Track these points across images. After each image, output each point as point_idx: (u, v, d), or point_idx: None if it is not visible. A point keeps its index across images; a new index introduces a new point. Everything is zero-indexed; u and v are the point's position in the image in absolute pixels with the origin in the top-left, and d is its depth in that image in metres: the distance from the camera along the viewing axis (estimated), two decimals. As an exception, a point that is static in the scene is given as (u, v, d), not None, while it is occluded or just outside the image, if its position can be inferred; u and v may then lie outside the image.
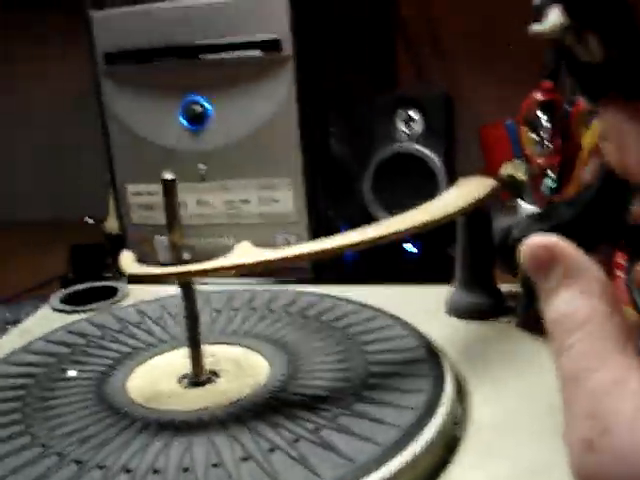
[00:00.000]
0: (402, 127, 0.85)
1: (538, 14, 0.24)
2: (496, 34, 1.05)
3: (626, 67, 0.25)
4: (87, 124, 0.88)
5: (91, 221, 1.02)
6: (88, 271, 0.91)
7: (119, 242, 0.80)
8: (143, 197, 0.75)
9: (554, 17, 0.24)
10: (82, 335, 0.57)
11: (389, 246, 0.86)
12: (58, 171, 1.37)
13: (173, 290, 0.63)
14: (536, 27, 0.24)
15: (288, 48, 0.68)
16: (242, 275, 0.71)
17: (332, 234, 0.45)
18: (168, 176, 0.46)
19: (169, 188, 0.46)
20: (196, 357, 0.49)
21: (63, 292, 0.70)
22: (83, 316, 0.63)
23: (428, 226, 0.49)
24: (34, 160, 1.41)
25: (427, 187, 0.82)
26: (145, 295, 0.66)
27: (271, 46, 0.68)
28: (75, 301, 0.68)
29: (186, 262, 0.47)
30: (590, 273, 0.24)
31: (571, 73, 0.26)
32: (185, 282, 0.48)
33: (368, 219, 0.82)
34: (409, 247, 0.88)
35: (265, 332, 0.55)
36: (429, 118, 0.84)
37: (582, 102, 0.74)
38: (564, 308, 0.24)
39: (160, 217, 0.77)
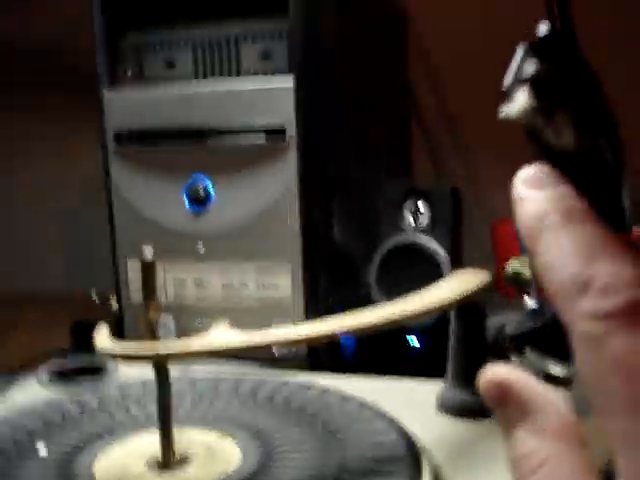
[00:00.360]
0: (409, 218, 0.85)
1: (507, 97, 0.24)
2: (515, 128, 1.06)
3: (597, 157, 0.24)
4: (101, 200, 0.89)
5: (95, 298, 1.02)
6: (89, 348, 0.90)
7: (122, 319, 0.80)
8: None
9: (522, 99, 0.23)
10: (60, 411, 0.56)
11: (391, 337, 0.85)
12: (74, 244, 1.39)
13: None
14: (503, 110, 0.24)
15: (292, 136, 0.69)
16: (233, 357, 0.70)
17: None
18: (147, 255, 0.45)
19: (147, 267, 0.46)
20: (166, 441, 0.48)
21: (52, 367, 0.69)
22: (67, 392, 0.62)
23: (417, 316, 0.48)
24: (50, 233, 1.44)
25: (432, 279, 0.81)
26: (133, 373, 0.65)
27: (275, 133, 0.69)
28: (65, 376, 0.68)
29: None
30: (545, 408, 0.23)
31: (542, 161, 0.25)
32: (159, 363, 0.47)
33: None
34: (412, 340, 0.87)
35: (244, 419, 0.54)
36: (436, 210, 0.84)
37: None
38: (519, 449, 0.23)
39: (161, 296, 0.76)
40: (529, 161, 0.26)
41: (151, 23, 0.75)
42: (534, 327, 0.53)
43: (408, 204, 0.86)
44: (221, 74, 0.74)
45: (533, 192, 0.23)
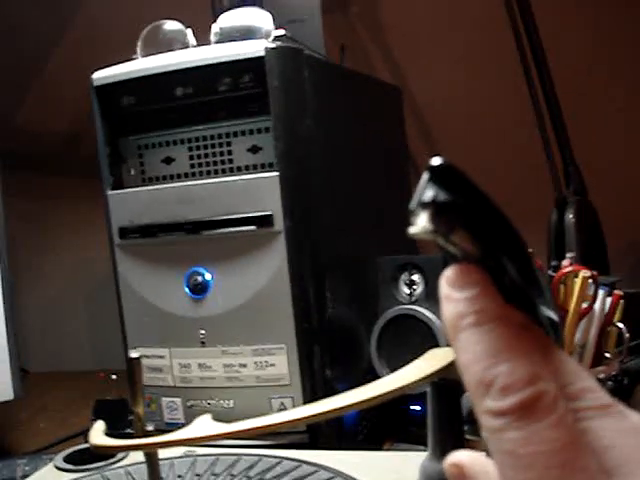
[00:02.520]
0: (405, 289, 0.89)
1: (412, 218, 0.27)
2: (511, 191, 1.10)
3: (500, 265, 0.27)
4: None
5: (114, 377, 1.07)
6: (109, 427, 0.95)
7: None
8: (151, 360, 0.80)
9: (422, 222, 0.26)
10: (68, 497, 0.61)
11: (393, 406, 0.88)
12: (101, 326, 1.45)
13: (169, 453, 0.66)
14: (410, 230, 0.27)
15: (279, 223, 0.74)
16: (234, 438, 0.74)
17: (329, 395, 0.48)
18: (134, 355, 0.50)
19: (134, 366, 0.50)
20: (159, 525, 0.52)
21: (68, 451, 0.73)
22: (79, 475, 0.66)
23: (392, 394, 0.52)
24: (79, 313, 1.50)
25: (429, 347, 0.84)
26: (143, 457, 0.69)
27: (264, 221, 0.74)
28: (81, 459, 0.72)
29: (150, 434, 0.51)
30: None
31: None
32: (148, 452, 0.51)
33: (372, 379, 0.84)
34: (415, 407, 0.89)
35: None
36: (429, 281, 0.87)
37: (565, 267, 0.77)
38: None
39: (168, 379, 0.81)
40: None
41: (149, 126, 0.82)
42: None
43: (403, 276, 0.90)
44: (215, 167, 0.79)
45: (454, 292, 0.26)
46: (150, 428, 0.51)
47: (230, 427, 0.48)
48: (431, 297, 0.88)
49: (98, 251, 1.41)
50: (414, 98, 1.25)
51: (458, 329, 0.26)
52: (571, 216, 0.98)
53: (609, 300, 0.79)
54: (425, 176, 0.27)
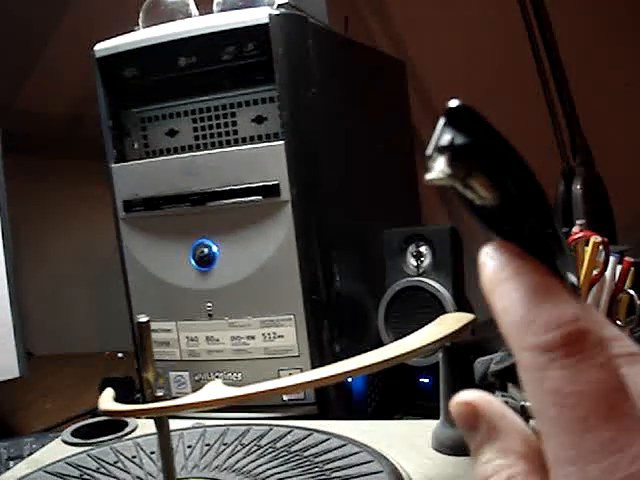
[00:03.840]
0: (412, 261, 0.88)
1: (429, 164, 0.25)
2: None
3: (519, 210, 0.27)
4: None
5: (120, 355, 1.06)
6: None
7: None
8: (158, 334, 0.80)
9: (440, 167, 0.25)
10: (78, 467, 0.60)
11: (401, 378, 0.88)
12: (105, 306, 1.44)
13: (179, 424, 0.66)
14: (427, 176, 0.25)
15: (286, 192, 0.73)
16: (245, 410, 0.74)
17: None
18: (142, 319, 0.49)
19: (143, 330, 0.50)
20: (171, 491, 0.51)
21: (75, 425, 0.73)
22: (87, 448, 0.66)
23: (404, 357, 0.51)
24: (82, 297, 1.50)
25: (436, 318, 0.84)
26: (153, 429, 0.69)
27: (270, 191, 0.73)
28: (88, 434, 0.72)
29: (160, 398, 0.50)
30: (510, 430, 0.25)
31: (472, 216, 0.28)
32: (159, 418, 0.50)
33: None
34: (424, 380, 0.89)
35: (248, 467, 0.57)
36: (436, 252, 0.87)
37: (575, 233, 0.76)
38: (485, 469, 0.25)
39: (175, 353, 0.80)
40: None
41: (152, 98, 0.81)
42: (513, 363, 0.56)
43: (410, 248, 0.89)
44: (219, 139, 0.78)
45: (490, 260, 0.26)
46: (160, 394, 0.50)
47: (241, 390, 0.48)
48: (438, 268, 0.87)
49: (101, 233, 1.41)
50: (417, 72, 1.24)
51: (495, 284, 0.25)
52: (578, 187, 0.97)
53: (619, 268, 0.78)
54: (442, 120, 0.26)
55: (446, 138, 0.26)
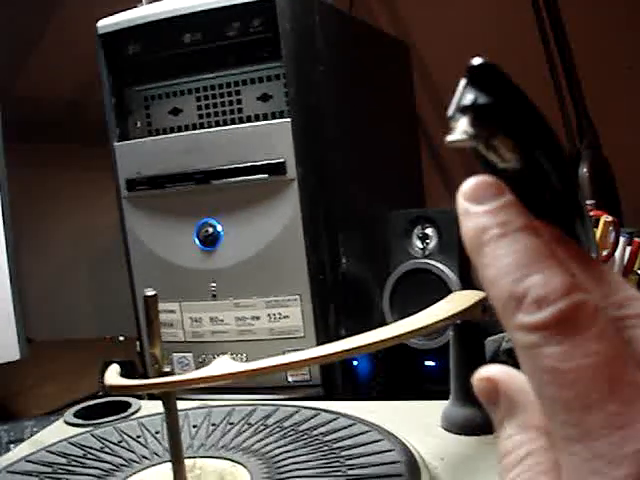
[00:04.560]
0: (418, 243, 0.87)
1: (450, 125, 0.25)
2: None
3: (541, 176, 0.26)
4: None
5: (122, 338, 1.05)
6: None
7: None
8: (161, 314, 0.78)
9: (462, 127, 0.24)
10: (81, 447, 0.59)
11: (406, 360, 0.87)
12: (105, 290, 1.43)
13: (183, 405, 0.65)
14: (448, 138, 0.25)
15: (292, 170, 0.72)
16: (250, 392, 0.73)
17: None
18: (149, 292, 0.48)
19: (150, 304, 0.49)
20: (178, 470, 0.50)
21: (78, 407, 0.72)
22: (90, 429, 0.65)
23: (414, 334, 0.50)
24: (82, 280, 1.49)
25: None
26: (157, 409, 0.68)
27: (277, 169, 0.72)
28: (91, 415, 0.71)
29: (167, 374, 0.49)
30: (529, 406, 0.25)
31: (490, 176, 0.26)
32: (166, 394, 0.49)
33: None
34: (429, 363, 0.88)
35: (255, 446, 0.56)
36: (443, 234, 0.86)
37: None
38: (506, 443, 0.25)
39: (179, 334, 0.80)
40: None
41: (156, 76, 0.79)
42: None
43: (416, 230, 0.88)
44: (224, 117, 0.77)
45: (473, 206, 0.24)
46: (167, 369, 0.49)
47: (251, 365, 0.47)
48: (445, 251, 0.86)
49: (100, 217, 1.40)
50: (420, 55, 1.23)
51: (481, 244, 0.24)
52: (585, 169, 0.96)
53: (628, 250, 0.77)
54: (464, 78, 0.25)
55: (469, 97, 0.25)
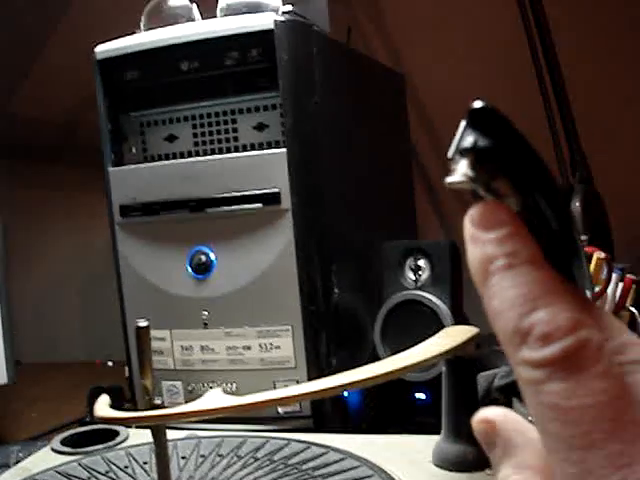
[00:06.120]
0: (410, 275, 0.87)
1: (451, 167, 0.25)
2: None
3: (540, 217, 0.26)
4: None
5: (110, 364, 1.04)
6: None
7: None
8: (152, 342, 0.78)
9: (462, 170, 0.24)
10: (68, 476, 0.59)
11: (397, 393, 0.86)
12: (98, 315, 1.42)
13: (172, 435, 0.64)
14: (447, 179, 0.25)
15: (287, 201, 0.72)
16: (239, 422, 0.72)
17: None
18: (141, 323, 0.48)
19: (142, 335, 0.48)
20: (166, 503, 0.49)
21: (65, 434, 0.71)
22: (77, 457, 0.64)
23: (408, 370, 0.50)
24: (72, 305, 1.48)
25: (435, 334, 0.83)
26: (145, 439, 0.67)
27: (271, 199, 0.72)
28: (78, 442, 0.70)
29: (157, 407, 0.48)
30: (526, 446, 0.25)
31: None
32: (156, 427, 0.49)
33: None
34: (420, 395, 0.88)
35: (244, 479, 0.56)
36: (436, 265, 0.86)
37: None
38: None
39: (169, 362, 0.79)
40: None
41: (152, 103, 0.80)
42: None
43: (409, 261, 0.88)
44: (219, 145, 0.77)
45: (481, 233, 0.24)
46: (158, 402, 0.49)
47: (243, 399, 0.46)
48: (437, 282, 0.86)
49: (91, 241, 1.40)
50: (415, 86, 1.24)
51: (487, 274, 0.23)
52: (578, 204, 0.97)
53: (620, 286, 0.77)
54: (464, 121, 0.26)
55: (469, 140, 0.25)
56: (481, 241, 0.24)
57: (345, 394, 0.79)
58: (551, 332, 0.22)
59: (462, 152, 0.25)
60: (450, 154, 0.25)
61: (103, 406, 0.50)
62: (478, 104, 0.25)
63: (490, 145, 0.25)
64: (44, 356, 1.40)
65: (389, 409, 0.89)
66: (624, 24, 1.14)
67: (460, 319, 0.86)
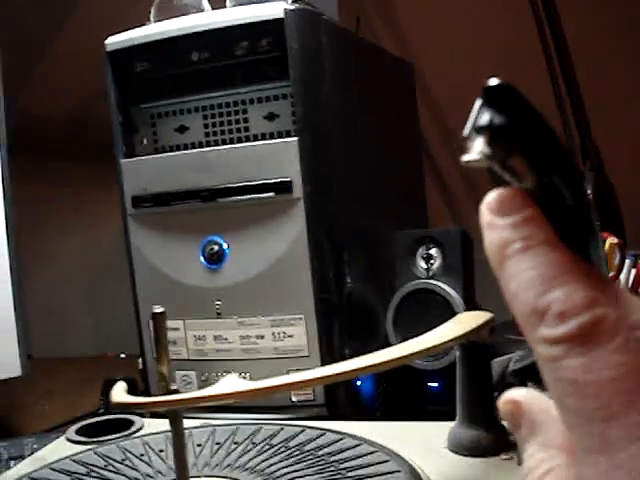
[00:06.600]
0: (422, 264, 0.87)
1: (466, 145, 0.25)
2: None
3: (556, 195, 0.26)
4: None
5: (123, 356, 1.05)
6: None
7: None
8: (165, 332, 0.78)
9: (478, 147, 0.25)
10: (84, 465, 0.59)
11: (409, 381, 0.86)
12: (110, 308, 1.43)
13: (187, 423, 0.64)
14: (464, 158, 0.25)
15: (298, 189, 0.72)
16: (253, 411, 0.72)
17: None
18: (157, 309, 0.48)
19: (158, 321, 0.48)
20: (183, 489, 0.50)
21: (80, 424, 0.71)
22: (93, 447, 0.64)
23: (421, 354, 0.50)
24: (84, 298, 1.48)
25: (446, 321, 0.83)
26: (160, 428, 0.67)
27: (283, 188, 0.72)
28: (93, 433, 0.70)
29: (174, 392, 0.49)
30: (550, 425, 0.26)
31: None
32: (173, 413, 0.49)
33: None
34: (433, 384, 0.88)
35: (260, 466, 0.56)
36: (447, 253, 0.86)
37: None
38: (529, 461, 0.25)
39: (182, 352, 0.79)
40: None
41: (163, 94, 0.80)
42: (534, 361, 0.55)
43: (420, 250, 0.88)
44: (230, 136, 0.77)
45: (497, 219, 0.24)
46: (174, 387, 0.49)
47: (260, 384, 0.46)
48: (449, 271, 0.86)
49: (103, 234, 1.40)
50: (423, 75, 1.23)
51: (504, 257, 0.24)
52: (589, 192, 0.97)
53: (633, 272, 0.77)
54: (480, 99, 0.25)
55: (485, 118, 0.25)
56: (498, 227, 0.24)
57: (358, 382, 0.79)
58: (568, 309, 0.22)
59: (478, 130, 0.25)
60: (466, 132, 0.25)
61: (120, 392, 0.50)
62: (494, 81, 0.25)
63: (506, 122, 0.25)
64: (53, 351, 1.41)
65: (402, 397, 0.89)
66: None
67: (472, 307, 0.86)
